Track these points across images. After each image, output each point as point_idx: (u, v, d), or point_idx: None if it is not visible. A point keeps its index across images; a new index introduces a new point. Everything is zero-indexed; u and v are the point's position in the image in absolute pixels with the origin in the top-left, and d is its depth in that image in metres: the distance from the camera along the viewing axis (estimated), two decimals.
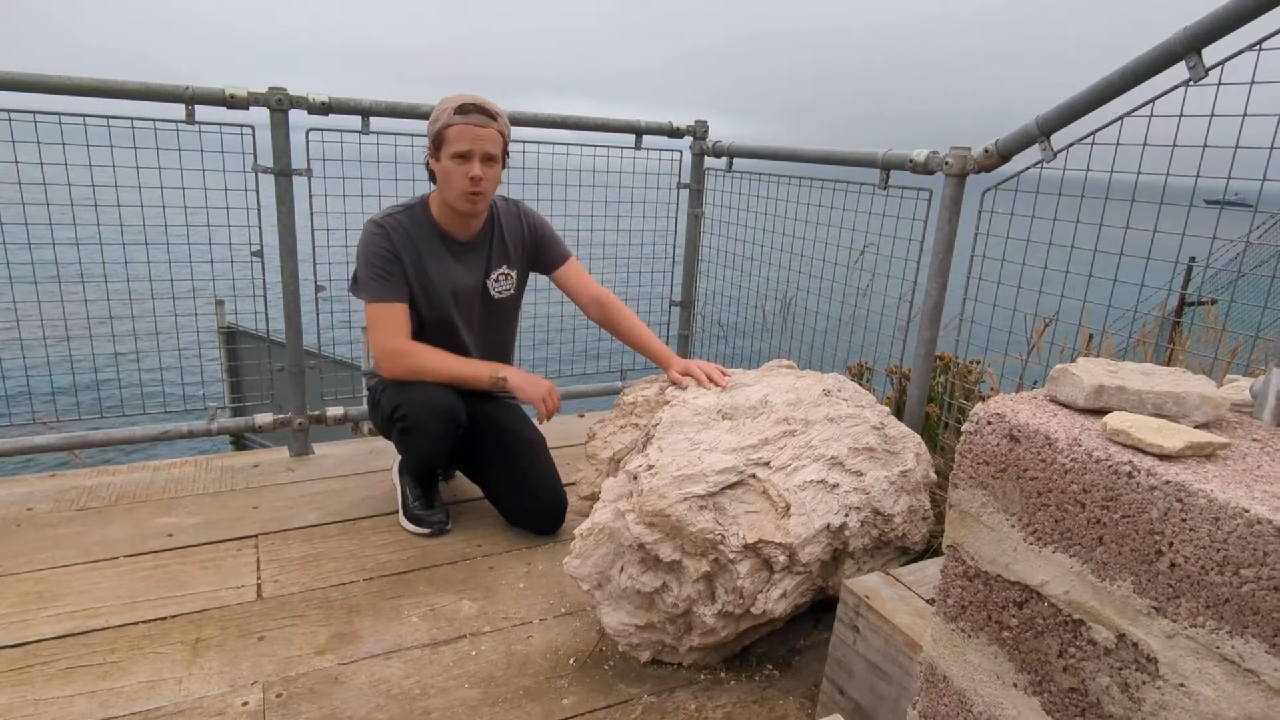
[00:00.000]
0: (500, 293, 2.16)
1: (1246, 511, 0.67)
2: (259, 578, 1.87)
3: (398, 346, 1.97)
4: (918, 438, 1.80)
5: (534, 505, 2.12)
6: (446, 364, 1.99)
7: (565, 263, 2.22)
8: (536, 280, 2.30)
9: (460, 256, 2.07)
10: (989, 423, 0.91)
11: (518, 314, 2.30)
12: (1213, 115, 1.46)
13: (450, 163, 1.91)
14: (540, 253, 2.20)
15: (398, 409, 1.99)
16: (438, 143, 1.92)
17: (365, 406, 2.80)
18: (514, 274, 2.18)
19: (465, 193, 1.94)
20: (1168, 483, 0.73)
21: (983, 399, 1.49)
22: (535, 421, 2.08)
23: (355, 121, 2.36)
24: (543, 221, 2.22)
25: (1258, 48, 1.40)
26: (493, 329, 2.20)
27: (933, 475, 1.77)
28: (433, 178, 2.01)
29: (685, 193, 3.05)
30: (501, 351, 2.26)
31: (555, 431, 2.34)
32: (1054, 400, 0.92)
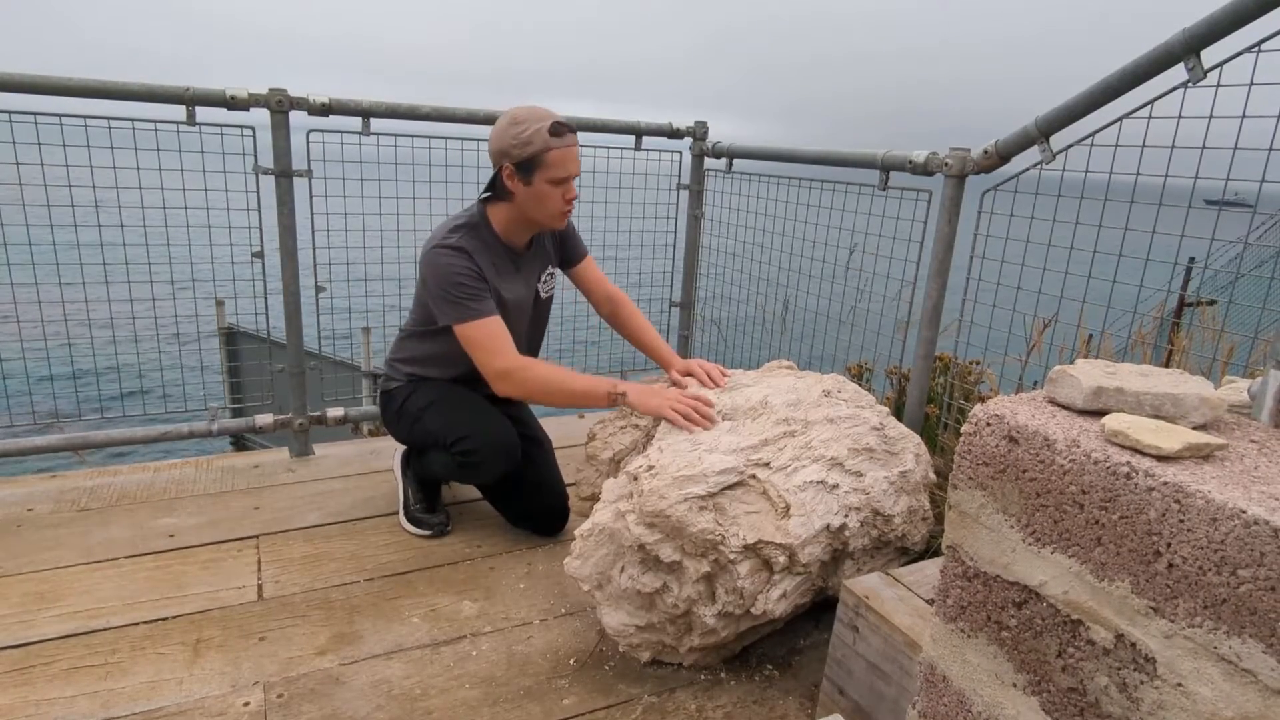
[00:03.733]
0: (547, 293, 2.17)
1: (1244, 512, 0.68)
2: (260, 578, 1.87)
3: (514, 364, 1.87)
4: (917, 438, 1.80)
5: (538, 507, 2.12)
6: (565, 383, 1.89)
7: (584, 260, 2.23)
8: None
9: (521, 268, 2.05)
10: (988, 424, 0.91)
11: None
12: (1211, 116, 1.46)
13: (546, 186, 1.86)
14: (565, 249, 2.20)
15: (461, 441, 1.95)
16: (530, 166, 1.84)
17: (366, 407, 2.81)
18: (554, 272, 2.19)
19: (561, 214, 1.92)
20: (1166, 484, 0.73)
21: (982, 400, 1.49)
22: (691, 429, 1.76)
23: (356, 123, 2.36)
24: None
25: (1256, 49, 1.40)
26: (538, 329, 2.21)
27: (932, 476, 1.78)
28: (500, 192, 1.92)
29: (685, 193, 3.05)
30: (537, 348, 2.26)
31: (555, 432, 2.35)
32: (1053, 401, 0.93)
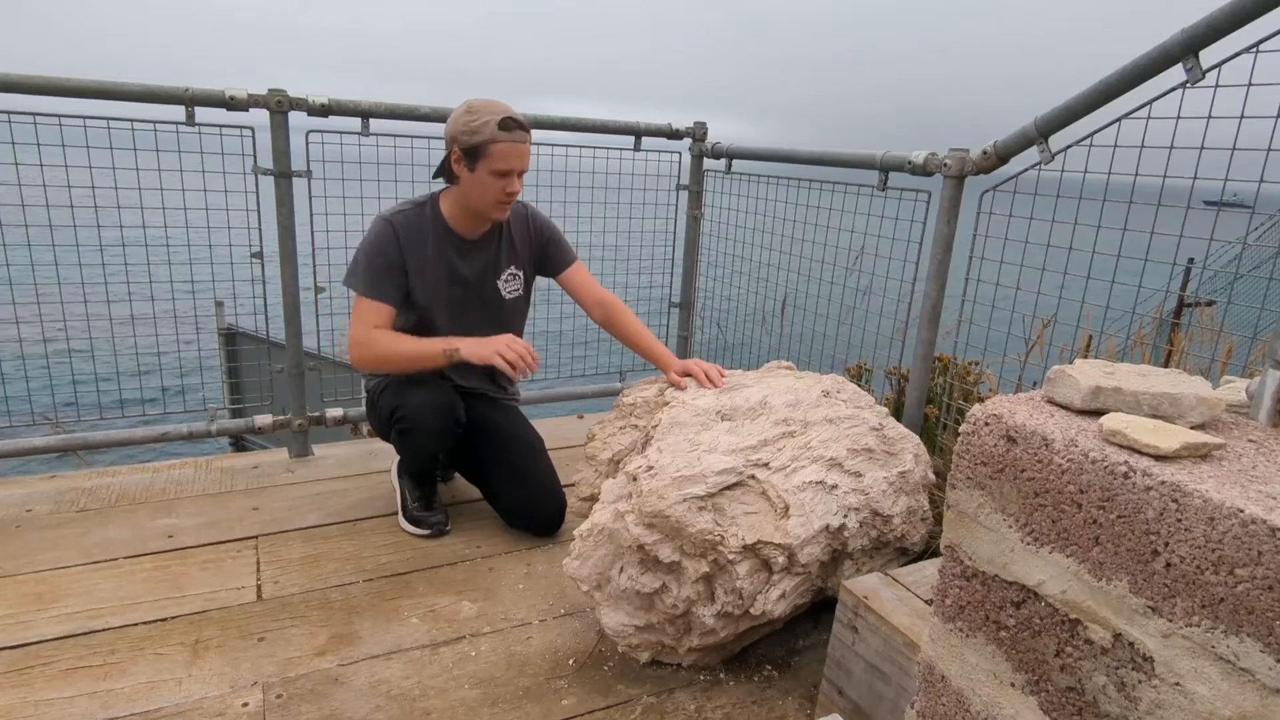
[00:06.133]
0: (510, 293, 2.17)
1: (1241, 511, 0.68)
2: (259, 579, 1.87)
3: (363, 336, 1.96)
4: (916, 439, 1.80)
5: (532, 507, 2.12)
6: (399, 345, 1.98)
7: (571, 266, 2.22)
8: (536, 281, 2.31)
9: (466, 255, 2.08)
10: (986, 423, 0.91)
11: (526, 314, 2.30)
12: (1210, 117, 1.46)
13: (487, 176, 1.91)
14: (547, 256, 2.21)
15: (396, 409, 2.01)
16: (475, 154, 1.90)
17: (364, 408, 2.81)
18: (521, 275, 2.19)
19: (498, 204, 1.96)
20: (1163, 483, 0.74)
21: (981, 400, 1.49)
22: (513, 379, 2.06)
23: (355, 123, 2.36)
24: (550, 224, 2.22)
25: (1255, 50, 1.40)
26: (500, 330, 2.20)
27: (931, 476, 1.78)
28: (448, 177, 2.01)
29: (684, 194, 3.05)
30: None
31: (554, 433, 2.35)
32: (1051, 401, 0.93)
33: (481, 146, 1.89)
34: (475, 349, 1.95)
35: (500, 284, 2.14)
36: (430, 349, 1.97)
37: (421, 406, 2.00)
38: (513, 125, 1.89)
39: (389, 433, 2.12)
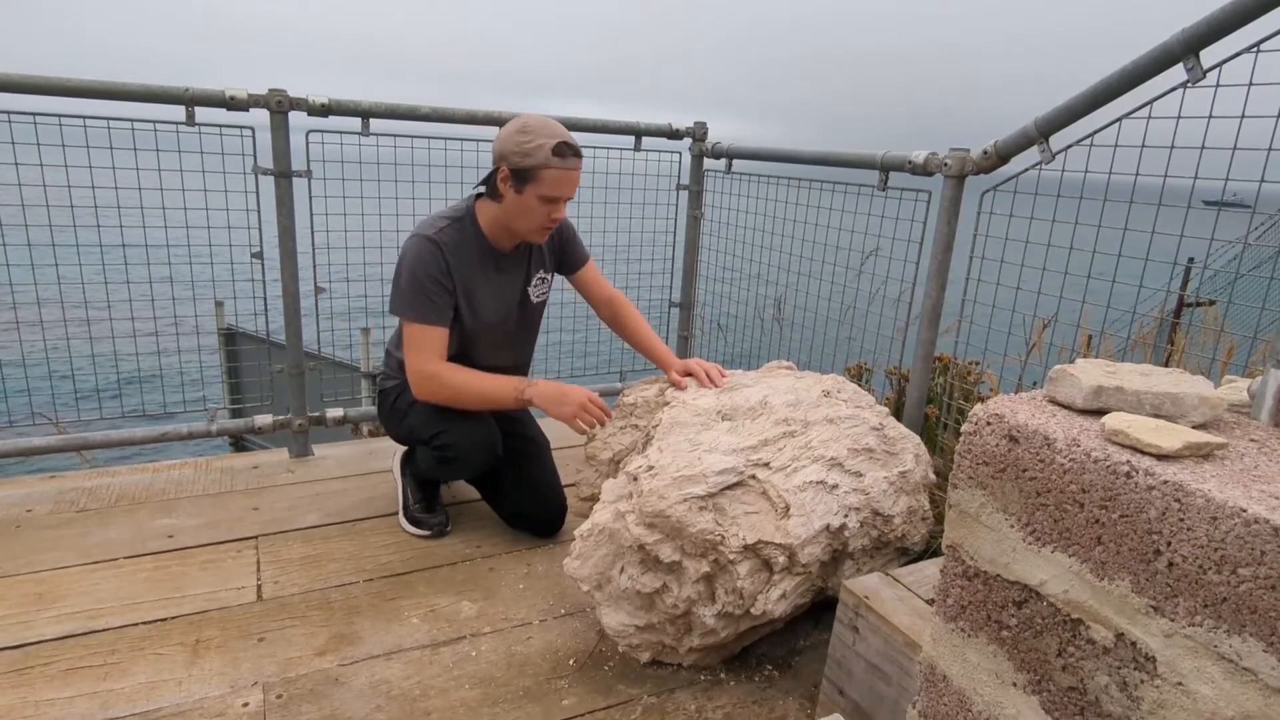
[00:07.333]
0: (538, 297, 2.15)
1: (1244, 511, 0.68)
2: (259, 579, 1.87)
3: (432, 370, 1.90)
4: (917, 439, 1.80)
5: (533, 508, 2.12)
6: (471, 385, 1.92)
7: (585, 264, 2.22)
8: None
9: (504, 269, 2.04)
10: (988, 423, 0.91)
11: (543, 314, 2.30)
12: (1211, 117, 1.46)
13: (534, 200, 1.85)
14: (566, 254, 2.19)
15: (439, 436, 1.97)
16: (524, 177, 1.83)
17: (365, 408, 2.81)
18: (548, 277, 2.18)
19: (541, 229, 1.92)
20: (1165, 482, 0.73)
21: (982, 400, 1.49)
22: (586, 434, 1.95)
23: (355, 123, 2.36)
24: (567, 222, 2.19)
25: (1256, 49, 1.40)
26: (528, 333, 2.20)
27: (932, 476, 1.78)
28: (492, 191, 1.92)
29: (684, 194, 3.05)
30: (530, 351, 2.26)
31: (555, 432, 2.35)
32: (1053, 401, 0.93)
33: (532, 170, 1.82)
34: (551, 403, 1.88)
35: (530, 290, 2.12)
36: (503, 392, 1.92)
37: (470, 442, 1.97)
38: (567, 152, 1.83)
39: (408, 439, 2.10)
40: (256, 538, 2.06)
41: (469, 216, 1.97)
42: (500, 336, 2.08)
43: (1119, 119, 1.62)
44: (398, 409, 2.09)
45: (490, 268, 2.00)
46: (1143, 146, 1.59)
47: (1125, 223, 1.63)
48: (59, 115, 2.06)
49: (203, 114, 2.17)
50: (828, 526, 1.52)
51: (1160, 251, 1.61)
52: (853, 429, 1.70)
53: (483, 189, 1.97)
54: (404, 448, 2.25)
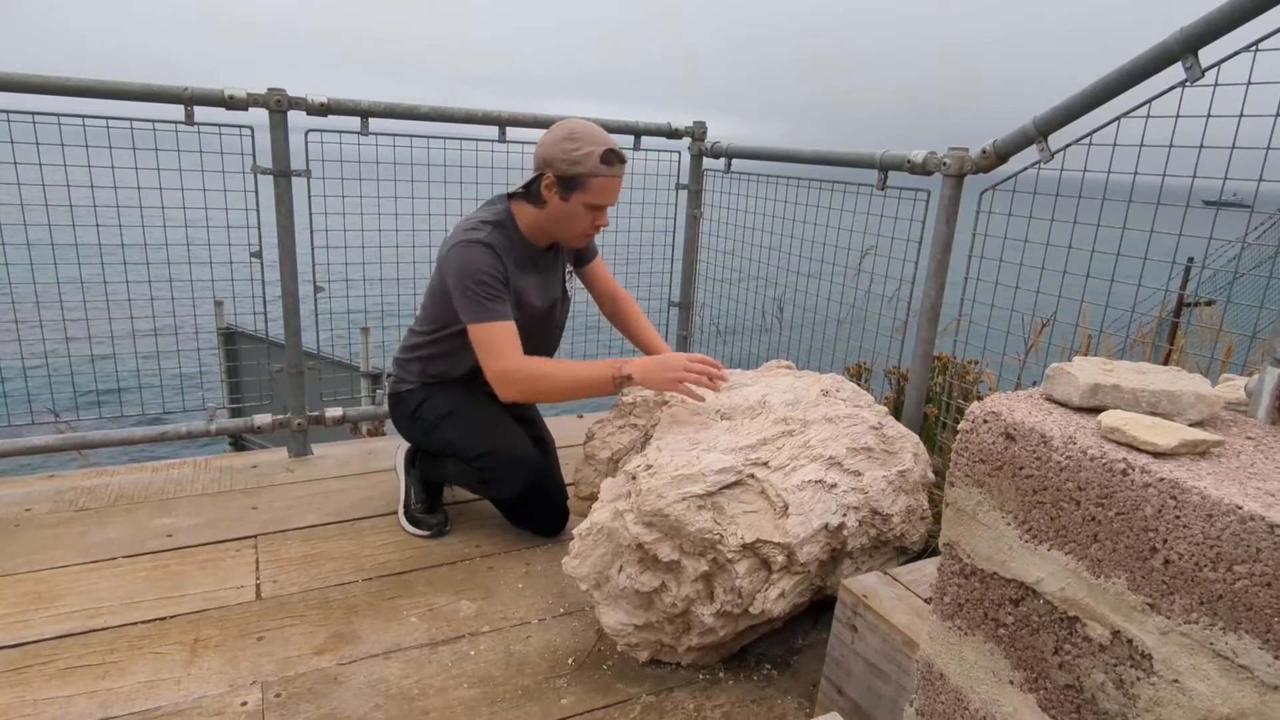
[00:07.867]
0: (571, 291, 2.17)
1: (1240, 508, 0.68)
2: (258, 578, 1.87)
3: (513, 365, 1.84)
4: (916, 438, 1.80)
5: (540, 507, 2.12)
6: (562, 373, 1.86)
7: (596, 258, 2.24)
8: None
9: (543, 269, 2.05)
10: (985, 421, 0.91)
11: None
12: (1209, 116, 1.46)
13: (581, 208, 1.86)
14: (582, 248, 2.21)
15: (483, 457, 1.98)
16: (571, 184, 1.83)
17: (364, 408, 2.81)
18: (571, 270, 2.20)
19: (584, 235, 1.93)
20: (1162, 480, 0.73)
21: (980, 399, 1.49)
22: (704, 395, 1.77)
23: (354, 123, 2.36)
24: None
25: (1254, 48, 1.40)
26: (561, 330, 2.22)
27: (931, 475, 1.78)
28: (533, 197, 1.91)
29: (684, 193, 3.05)
30: (557, 348, 2.26)
31: (555, 432, 2.35)
32: (1050, 399, 0.93)
33: (580, 178, 1.82)
34: (655, 374, 1.77)
35: (567, 286, 2.15)
36: (600, 374, 1.82)
37: (511, 464, 1.97)
38: (614, 159, 1.83)
39: (442, 452, 2.09)
40: (255, 537, 2.06)
41: (508, 219, 1.95)
42: (541, 335, 2.08)
43: (1118, 118, 1.62)
44: (422, 418, 2.08)
45: (531, 269, 2.01)
46: (1141, 146, 1.59)
47: (1124, 222, 1.63)
48: (58, 115, 2.06)
49: (202, 113, 2.17)
50: (826, 525, 1.52)
51: (1159, 251, 1.61)
52: (851, 428, 1.70)
53: (520, 192, 1.95)
54: (407, 444, 2.25)
